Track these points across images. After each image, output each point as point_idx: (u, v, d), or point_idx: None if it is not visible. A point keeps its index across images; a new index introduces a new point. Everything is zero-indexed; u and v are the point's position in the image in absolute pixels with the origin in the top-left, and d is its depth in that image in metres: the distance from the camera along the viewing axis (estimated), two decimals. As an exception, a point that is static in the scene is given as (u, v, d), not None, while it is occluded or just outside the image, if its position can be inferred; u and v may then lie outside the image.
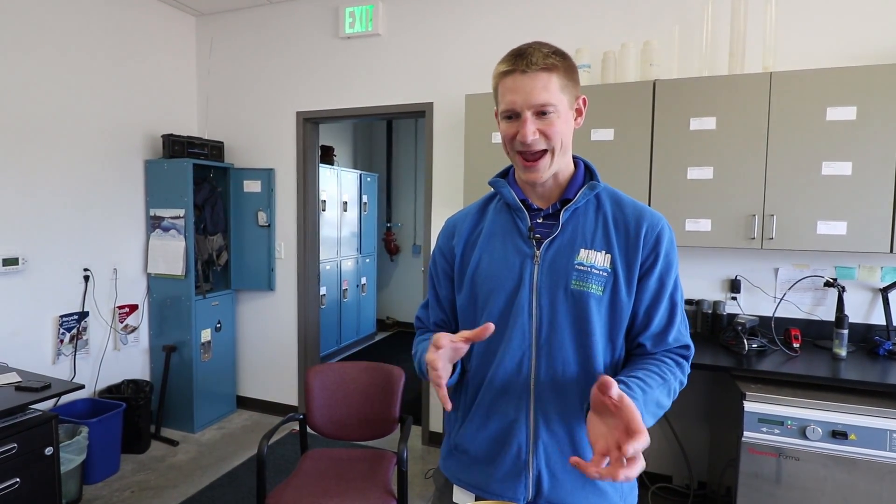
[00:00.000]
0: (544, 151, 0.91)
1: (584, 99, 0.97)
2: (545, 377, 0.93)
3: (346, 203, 5.01)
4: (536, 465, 0.93)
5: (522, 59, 0.89)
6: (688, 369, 0.97)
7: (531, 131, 0.89)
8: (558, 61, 0.89)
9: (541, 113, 0.89)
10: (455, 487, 1.03)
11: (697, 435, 2.60)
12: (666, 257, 0.94)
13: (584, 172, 1.02)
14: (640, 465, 0.70)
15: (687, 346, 0.97)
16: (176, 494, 2.59)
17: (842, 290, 2.24)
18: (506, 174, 1.07)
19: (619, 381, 0.82)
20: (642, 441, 0.69)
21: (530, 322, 0.94)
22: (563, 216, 0.96)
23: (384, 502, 1.82)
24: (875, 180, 2.05)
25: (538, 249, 0.95)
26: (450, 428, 1.07)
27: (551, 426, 0.93)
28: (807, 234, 2.14)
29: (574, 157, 1.02)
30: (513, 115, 0.91)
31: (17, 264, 2.60)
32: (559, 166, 0.96)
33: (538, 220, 0.98)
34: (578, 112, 0.97)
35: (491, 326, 0.82)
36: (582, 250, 0.93)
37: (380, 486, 1.91)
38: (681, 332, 0.97)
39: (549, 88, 0.88)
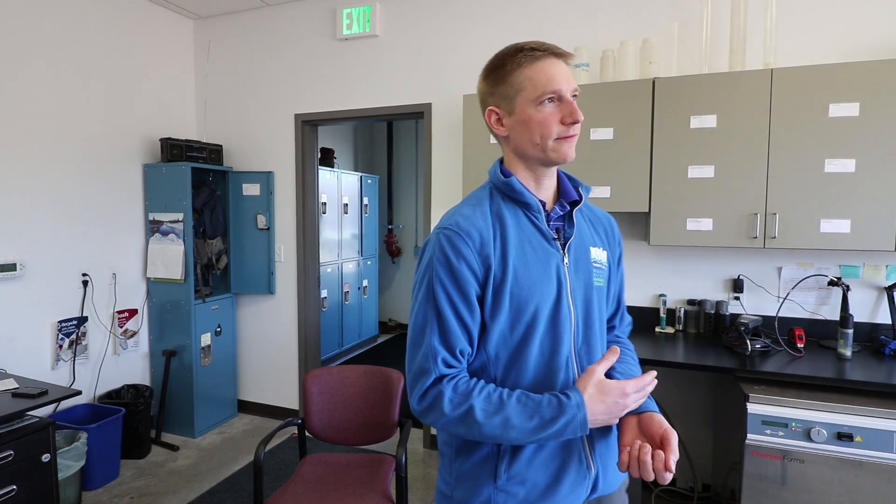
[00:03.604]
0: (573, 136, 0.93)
1: None
2: None
3: (346, 205, 5.00)
4: (595, 464, 0.95)
5: (551, 47, 0.90)
6: None
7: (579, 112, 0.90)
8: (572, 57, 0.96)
9: (573, 97, 0.91)
10: None
11: (701, 437, 2.57)
12: (623, 251, 1.10)
13: (565, 176, 1.03)
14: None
15: (631, 321, 1.18)
16: (176, 500, 2.57)
17: (846, 288, 2.20)
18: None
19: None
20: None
21: (570, 326, 0.93)
22: (576, 216, 0.98)
23: (383, 508, 1.80)
24: (879, 177, 2.01)
25: (564, 251, 0.95)
26: (487, 469, 0.92)
27: None
28: (810, 233, 2.11)
29: None
30: (555, 98, 0.89)
31: (16, 270, 2.60)
32: None
33: (551, 222, 0.97)
34: None
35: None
36: (591, 248, 0.99)
37: (378, 492, 1.88)
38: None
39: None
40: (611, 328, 1.11)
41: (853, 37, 2.28)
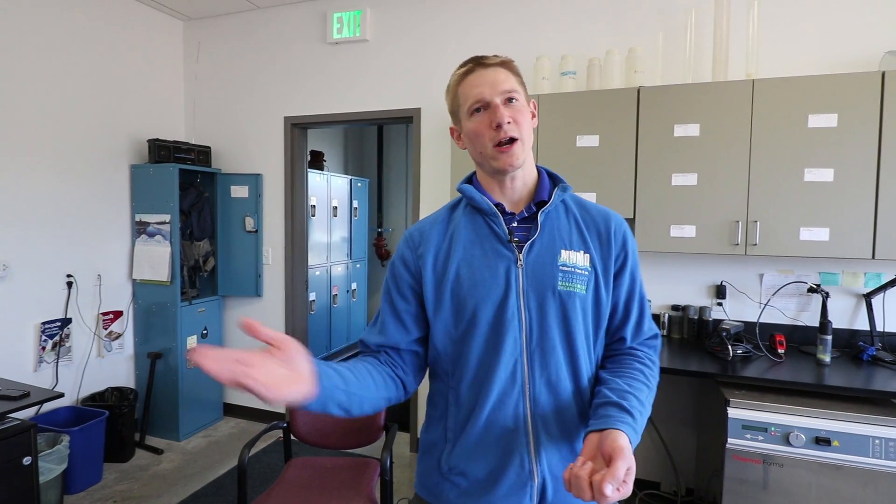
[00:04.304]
0: (515, 140, 0.93)
1: (534, 103, 1.01)
2: (540, 380, 0.93)
3: (336, 208, 5.00)
4: (541, 472, 0.92)
5: (479, 58, 0.95)
6: (658, 361, 1.02)
7: (506, 115, 0.92)
8: (510, 61, 0.97)
9: (508, 100, 0.93)
10: None
11: (684, 441, 2.60)
12: (633, 254, 1.00)
13: (548, 177, 1.03)
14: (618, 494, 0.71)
15: (657, 335, 1.03)
16: (159, 504, 2.56)
17: (825, 295, 2.25)
18: (469, 180, 1.05)
19: (622, 407, 0.86)
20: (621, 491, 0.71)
21: (520, 328, 0.93)
22: (540, 217, 0.96)
23: (367, 512, 1.80)
24: (856, 186, 2.06)
25: (520, 253, 0.94)
26: (435, 452, 0.99)
27: (549, 430, 0.92)
28: (790, 241, 2.15)
29: (536, 166, 1.05)
30: (482, 108, 0.94)
31: (-2, 271, 2.57)
32: (527, 161, 0.98)
33: (513, 224, 0.98)
34: (532, 114, 0.99)
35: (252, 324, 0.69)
36: (563, 251, 0.95)
37: (363, 495, 1.89)
38: (651, 321, 1.03)
39: (509, 79, 0.94)
40: (620, 339, 1.00)
41: (832, 49, 2.34)
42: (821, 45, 2.35)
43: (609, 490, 0.68)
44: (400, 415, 3.45)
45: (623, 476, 0.70)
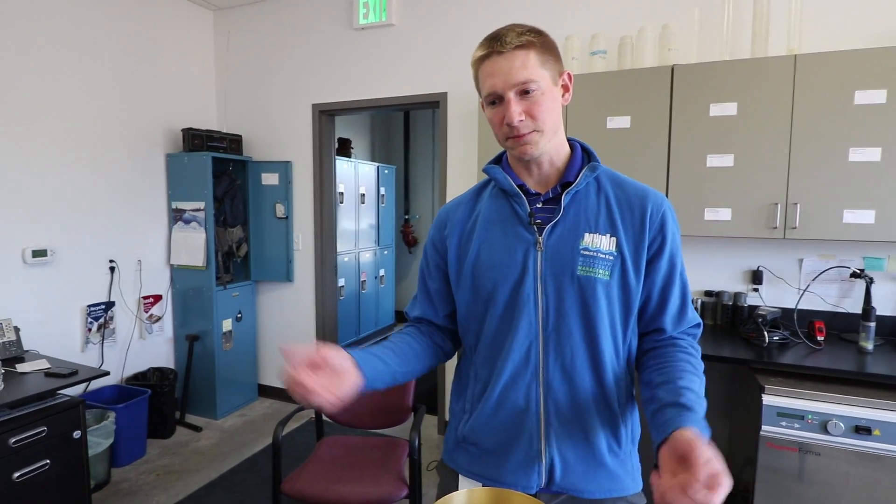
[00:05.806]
0: (532, 131, 0.89)
1: (569, 74, 0.94)
2: (554, 365, 0.92)
3: (363, 195, 5.05)
4: (549, 454, 0.92)
5: (497, 41, 0.86)
6: (700, 350, 0.98)
7: (517, 113, 0.86)
8: (534, 38, 0.87)
9: (524, 91, 0.86)
10: (461, 478, 1.01)
11: (716, 429, 2.53)
12: (673, 238, 0.93)
13: (582, 155, 0.98)
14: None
15: (699, 324, 0.99)
16: (199, 478, 2.67)
17: (869, 281, 2.15)
18: (499, 160, 1.04)
19: (684, 406, 0.81)
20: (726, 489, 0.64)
21: (536, 311, 0.91)
22: (564, 200, 0.92)
23: (396, 489, 1.84)
24: (906, 166, 1.96)
25: (540, 235, 0.92)
26: (455, 420, 1.04)
27: (562, 413, 0.92)
28: (832, 224, 2.06)
29: (570, 140, 0.99)
30: (496, 100, 0.89)
31: (46, 256, 2.70)
32: (552, 145, 0.93)
33: (537, 206, 0.95)
34: (565, 88, 0.93)
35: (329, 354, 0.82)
36: (586, 234, 0.91)
37: (392, 473, 1.93)
38: (693, 309, 0.98)
39: (527, 65, 0.85)
40: (659, 330, 0.96)
41: (880, 21, 2.20)
42: (868, 16, 2.22)
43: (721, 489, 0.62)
44: (427, 397, 3.49)
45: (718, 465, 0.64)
